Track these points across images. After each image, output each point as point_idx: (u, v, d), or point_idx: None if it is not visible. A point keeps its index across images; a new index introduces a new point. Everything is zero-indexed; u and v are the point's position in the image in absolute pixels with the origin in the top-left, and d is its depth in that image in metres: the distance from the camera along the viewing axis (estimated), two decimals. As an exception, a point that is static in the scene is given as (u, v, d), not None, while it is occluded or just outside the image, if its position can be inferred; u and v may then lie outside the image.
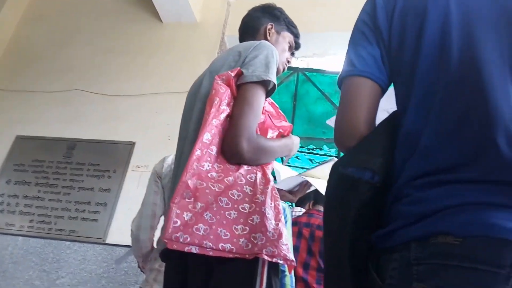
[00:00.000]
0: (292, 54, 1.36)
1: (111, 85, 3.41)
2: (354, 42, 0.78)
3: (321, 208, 2.35)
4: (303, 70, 3.36)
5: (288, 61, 1.34)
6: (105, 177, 3.06)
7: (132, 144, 3.14)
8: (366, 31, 0.76)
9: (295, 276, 2.06)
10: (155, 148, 2.94)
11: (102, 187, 3.03)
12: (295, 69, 3.36)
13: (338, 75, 0.77)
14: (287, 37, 1.33)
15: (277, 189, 1.33)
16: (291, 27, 1.34)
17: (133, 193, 2.81)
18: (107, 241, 2.83)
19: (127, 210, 2.73)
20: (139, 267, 1.83)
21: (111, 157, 3.11)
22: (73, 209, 2.99)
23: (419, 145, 0.63)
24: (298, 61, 3.98)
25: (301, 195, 1.35)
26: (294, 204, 2.52)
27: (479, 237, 0.54)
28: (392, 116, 0.72)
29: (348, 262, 0.64)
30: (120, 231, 2.75)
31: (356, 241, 0.64)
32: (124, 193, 2.98)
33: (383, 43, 0.74)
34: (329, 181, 0.71)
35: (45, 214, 3.00)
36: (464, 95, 0.62)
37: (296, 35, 1.35)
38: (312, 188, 1.31)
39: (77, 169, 3.12)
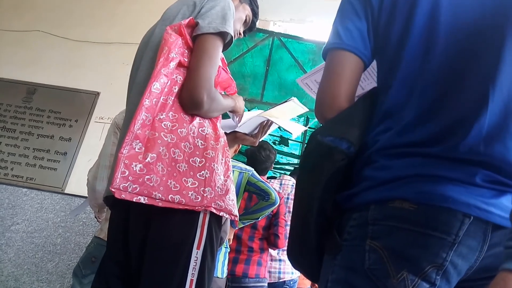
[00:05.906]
0: (244, 32, 1.32)
1: (76, 29, 3.23)
2: (342, 13, 0.77)
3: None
4: (279, 35, 3.30)
5: (240, 33, 1.29)
6: (66, 126, 2.97)
7: (97, 94, 3.03)
8: (355, 3, 0.75)
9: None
10: (120, 100, 2.83)
11: (63, 136, 2.94)
12: (271, 33, 3.30)
13: (324, 46, 0.77)
14: (247, 10, 1.28)
15: (238, 132, 1.32)
16: (254, 4, 1.30)
17: (95, 144, 2.74)
18: (66, 191, 2.79)
19: (88, 161, 2.68)
20: (95, 217, 1.84)
21: (74, 105, 3.00)
22: (31, 156, 2.90)
23: (397, 120, 0.67)
24: (275, 26, 3.91)
25: (263, 137, 1.35)
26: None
27: (433, 206, 0.58)
28: (370, 92, 0.74)
29: (315, 220, 0.68)
30: (79, 181, 2.71)
31: (324, 202, 0.68)
32: (86, 144, 2.91)
33: (372, 18, 0.74)
34: (306, 147, 0.74)
35: (1, 159, 2.90)
36: (447, 78, 0.65)
37: (255, 14, 1.31)
38: (273, 128, 1.31)
39: (37, 115, 3.01)
